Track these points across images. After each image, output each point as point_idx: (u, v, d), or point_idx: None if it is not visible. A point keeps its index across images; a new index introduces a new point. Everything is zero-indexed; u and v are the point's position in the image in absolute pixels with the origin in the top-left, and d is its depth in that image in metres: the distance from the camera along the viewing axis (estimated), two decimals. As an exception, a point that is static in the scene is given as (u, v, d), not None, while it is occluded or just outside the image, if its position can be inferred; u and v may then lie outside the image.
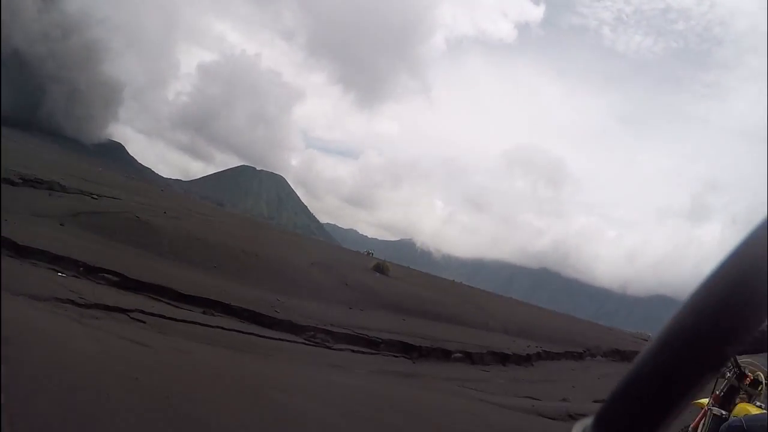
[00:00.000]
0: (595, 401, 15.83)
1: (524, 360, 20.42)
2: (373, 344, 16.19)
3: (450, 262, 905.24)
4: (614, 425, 0.83)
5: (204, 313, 14.35)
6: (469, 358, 18.00)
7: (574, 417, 9.58)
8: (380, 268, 29.50)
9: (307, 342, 15.02)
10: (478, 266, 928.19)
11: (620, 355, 32.65)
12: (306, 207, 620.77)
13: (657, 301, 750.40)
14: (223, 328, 13.73)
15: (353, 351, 15.45)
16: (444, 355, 17.35)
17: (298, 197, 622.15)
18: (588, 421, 0.86)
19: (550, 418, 10.04)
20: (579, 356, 26.68)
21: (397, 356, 16.18)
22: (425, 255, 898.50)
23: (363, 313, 19.71)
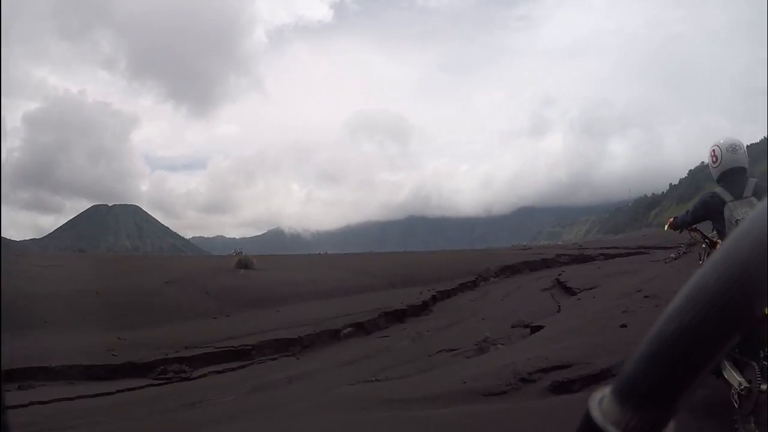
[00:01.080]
0: (513, 326, 13.88)
1: (422, 309, 18.15)
2: (242, 354, 12.94)
3: (320, 237, 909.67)
4: (636, 392, 0.77)
5: (20, 388, 10.57)
6: (362, 329, 15.34)
7: (525, 379, 7.35)
8: (243, 264, 26.49)
9: (155, 382, 11.54)
10: (348, 233, 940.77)
11: (511, 270, 31.63)
12: (167, 228, 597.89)
13: (521, 213, 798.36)
14: (41, 402, 9.93)
15: (219, 372, 12.16)
16: (331, 336, 14.55)
17: (157, 221, 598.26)
18: (606, 390, 0.80)
19: (494, 395, 7.52)
20: (473, 284, 25.01)
21: (275, 358, 13.05)
22: (296, 238, 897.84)
23: (229, 320, 16.61)
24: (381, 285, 22.90)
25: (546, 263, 35.32)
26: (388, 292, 21.07)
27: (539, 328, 11.92)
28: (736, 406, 4.43)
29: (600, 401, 0.80)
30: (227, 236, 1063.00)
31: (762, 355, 4.26)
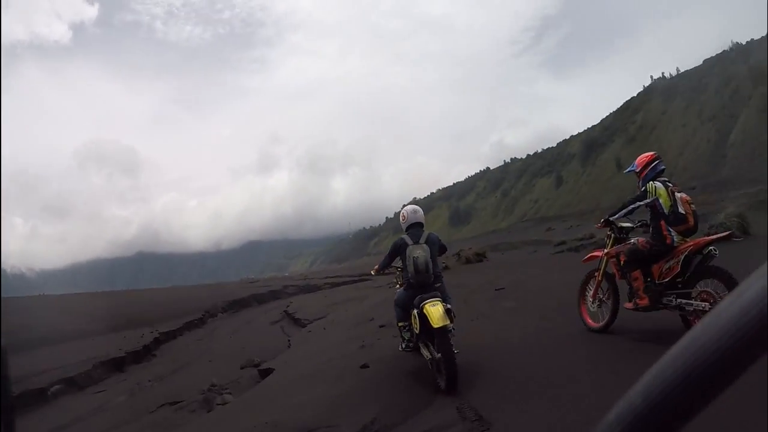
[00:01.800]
0: (242, 366, 13.33)
1: (144, 354, 16.76)
2: None
3: (46, 277, 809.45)
4: (634, 425, 0.75)
5: None
6: (74, 384, 13.46)
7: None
8: None
9: None
10: (76, 271, 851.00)
11: (239, 304, 31.16)
12: None
13: (249, 247, 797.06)
14: None
15: None
16: (36, 397, 12.42)
17: None
18: (609, 417, 0.77)
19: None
20: (200, 322, 24.10)
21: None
22: (18, 278, 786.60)
23: None
24: (100, 329, 20.80)
25: (274, 295, 35.42)
26: (107, 337, 19.16)
27: (270, 371, 10.98)
28: (431, 368, 6.67)
29: None
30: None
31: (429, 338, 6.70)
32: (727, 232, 6.95)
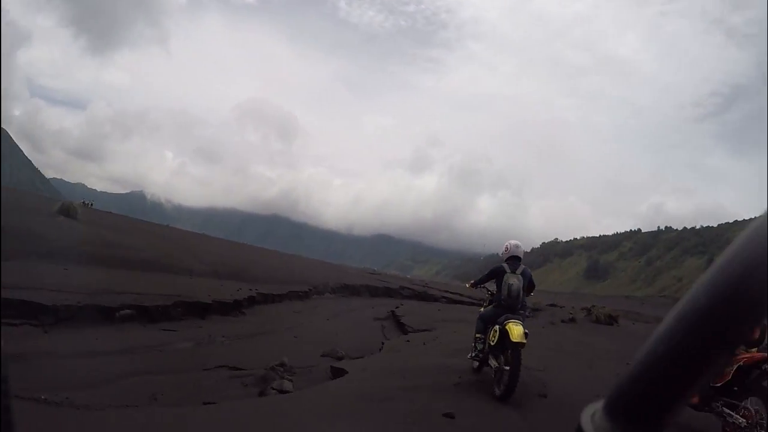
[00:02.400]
0: (323, 354, 11.66)
1: (232, 308, 15.40)
2: None
3: (182, 212, 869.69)
4: (627, 408, 0.80)
5: None
6: (146, 313, 12.40)
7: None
8: (66, 211, 23.03)
9: None
10: (211, 215, 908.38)
11: (349, 290, 29.76)
12: (30, 161, 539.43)
13: (379, 239, 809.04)
14: None
15: None
16: (103, 314, 11.43)
17: (21, 151, 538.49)
18: (597, 406, 0.83)
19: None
20: (305, 295, 22.73)
21: (17, 324, 9.89)
22: (156, 206, 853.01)
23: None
24: (204, 271, 20.00)
25: (388, 292, 33.84)
26: (207, 281, 18.23)
27: (342, 373, 9.36)
28: (493, 377, 7.77)
29: (592, 416, 0.82)
30: (89, 186, 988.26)
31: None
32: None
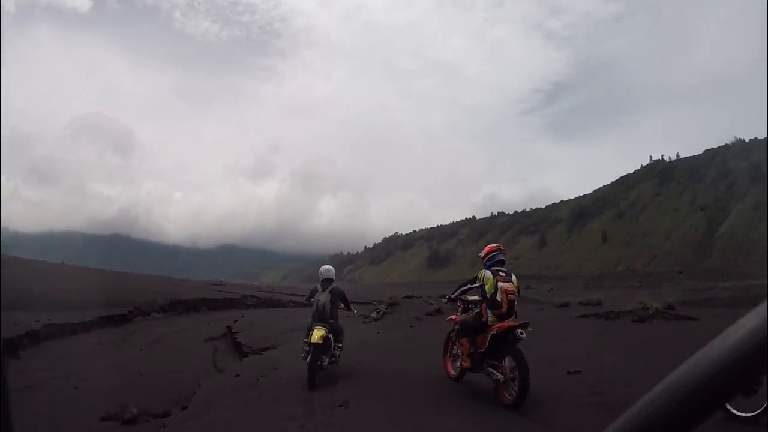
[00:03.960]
0: (105, 417, 8.20)
1: (33, 343, 11.71)
2: None
3: (18, 239, 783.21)
4: None
5: None
6: None
7: None
8: None
9: None
10: (48, 239, 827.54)
11: (183, 306, 26.00)
12: None
13: (224, 250, 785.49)
14: None
15: None
16: None
17: None
18: None
19: None
20: (123, 320, 19.04)
21: None
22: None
23: None
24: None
25: (230, 303, 30.68)
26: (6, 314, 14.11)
27: None
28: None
29: None
30: None
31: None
32: (525, 321, 8.15)
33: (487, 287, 8.22)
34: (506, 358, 7.80)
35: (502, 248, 8.94)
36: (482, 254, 8.90)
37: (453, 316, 9.49)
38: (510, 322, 7.98)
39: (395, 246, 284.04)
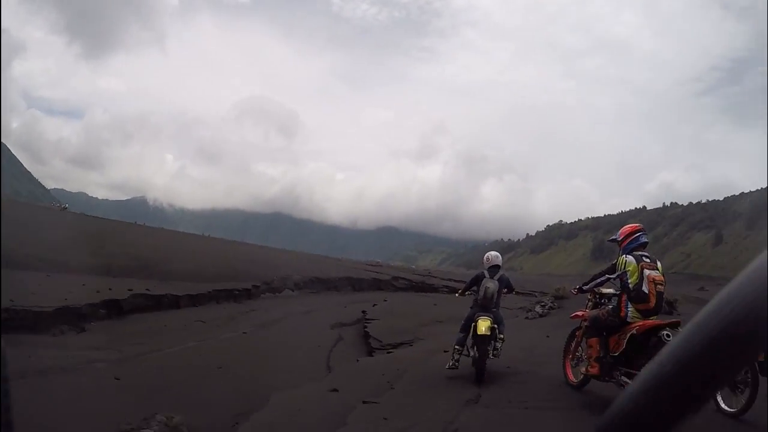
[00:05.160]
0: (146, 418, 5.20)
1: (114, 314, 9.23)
2: None
3: (184, 215, 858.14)
4: (625, 429, 0.81)
5: None
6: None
7: None
8: None
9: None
10: (213, 216, 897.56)
11: (322, 284, 23.49)
12: (30, 173, 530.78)
13: (383, 232, 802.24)
14: None
15: None
16: None
17: (21, 163, 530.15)
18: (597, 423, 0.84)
19: None
20: (246, 294, 16.51)
21: None
22: (158, 211, 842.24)
23: None
24: (95, 268, 13.68)
25: (377, 284, 28.11)
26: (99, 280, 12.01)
27: None
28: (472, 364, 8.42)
29: None
30: (90, 194, 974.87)
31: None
32: (675, 320, 6.81)
33: (630, 276, 6.67)
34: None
35: (644, 229, 7.28)
36: (619, 236, 7.21)
37: (579, 312, 7.88)
38: (655, 321, 6.53)
39: (558, 235, 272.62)
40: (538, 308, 16.11)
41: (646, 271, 6.67)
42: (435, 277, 35.78)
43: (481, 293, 8.68)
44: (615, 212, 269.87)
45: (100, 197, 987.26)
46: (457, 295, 9.79)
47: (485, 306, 8.60)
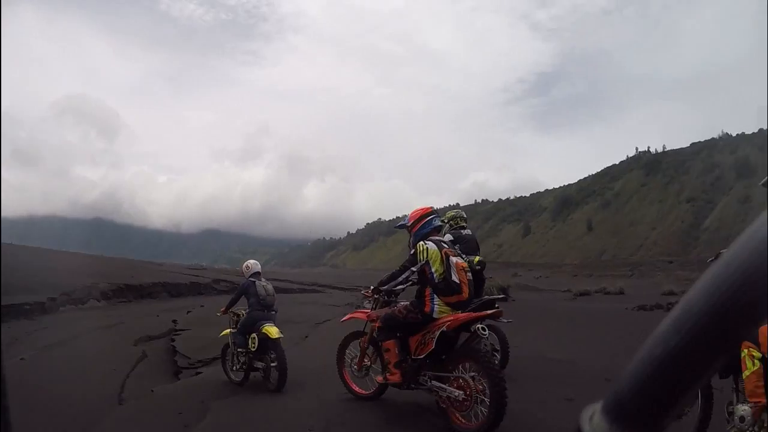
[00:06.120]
0: None
1: None
2: None
3: None
4: (625, 411, 0.78)
5: None
6: None
7: None
8: None
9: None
10: (28, 224, 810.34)
11: (136, 292, 21.78)
12: None
13: (207, 235, 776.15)
14: None
15: None
16: None
17: None
18: (596, 407, 0.82)
19: None
20: (40, 309, 14.79)
21: None
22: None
23: None
24: None
25: (197, 288, 26.82)
26: None
27: None
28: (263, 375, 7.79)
29: (590, 417, 0.81)
30: None
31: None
32: (494, 310, 5.87)
33: (433, 266, 5.79)
34: (462, 365, 5.47)
35: (436, 211, 6.44)
36: (408, 221, 6.35)
37: (358, 313, 6.99)
38: (468, 314, 5.67)
39: (378, 232, 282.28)
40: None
41: (452, 259, 5.84)
42: (260, 279, 35.09)
43: (262, 292, 8.13)
44: (444, 206, 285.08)
45: None
46: (218, 314, 8.80)
47: (269, 305, 8.13)
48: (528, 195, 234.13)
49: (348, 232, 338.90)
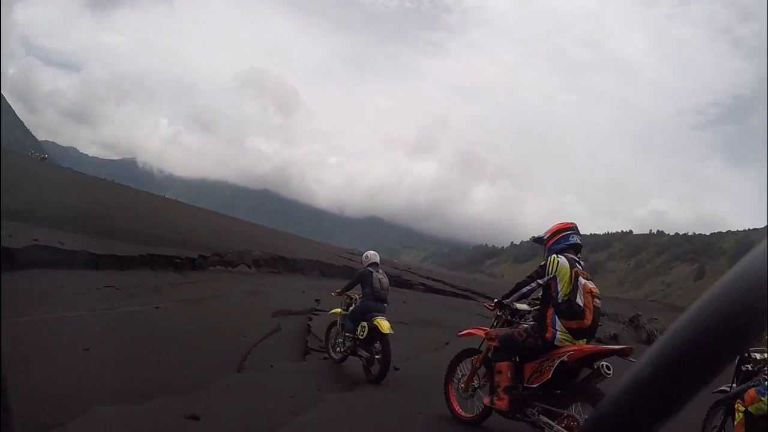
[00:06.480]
0: None
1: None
2: None
3: (172, 182, 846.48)
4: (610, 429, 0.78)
5: None
6: None
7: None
8: None
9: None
10: (201, 186, 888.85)
11: (287, 265, 21.68)
12: (22, 123, 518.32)
13: (370, 222, 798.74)
14: None
15: None
16: None
17: (14, 112, 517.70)
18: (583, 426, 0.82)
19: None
20: (189, 264, 14.80)
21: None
22: (147, 175, 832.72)
23: None
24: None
25: (350, 272, 26.43)
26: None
27: None
28: (365, 365, 7.93)
29: None
30: (80, 150, 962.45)
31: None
32: (623, 347, 5.02)
33: (560, 283, 5.18)
34: (577, 404, 4.82)
35: (576, 227, 5.81)
36: (546, 234, 5.82)
37: (475, 330, 6.33)
38: (593, 346, 5.06)
39: (541, 247, 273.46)
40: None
41: (582, 280, 5.28)
42: (413, 274, 34.16)
43: (377, 284, 8.25)
44: (601, 232, 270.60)
45: (90, 154, 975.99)
46: (333, 294, 9.11)
47: (382, 298, 8.23)
48: (708, 234, 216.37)
49: (512, 242, 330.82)
